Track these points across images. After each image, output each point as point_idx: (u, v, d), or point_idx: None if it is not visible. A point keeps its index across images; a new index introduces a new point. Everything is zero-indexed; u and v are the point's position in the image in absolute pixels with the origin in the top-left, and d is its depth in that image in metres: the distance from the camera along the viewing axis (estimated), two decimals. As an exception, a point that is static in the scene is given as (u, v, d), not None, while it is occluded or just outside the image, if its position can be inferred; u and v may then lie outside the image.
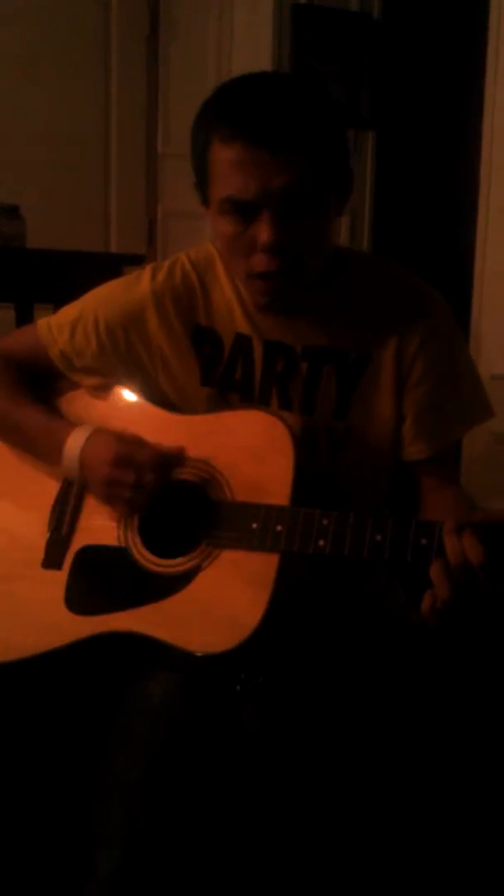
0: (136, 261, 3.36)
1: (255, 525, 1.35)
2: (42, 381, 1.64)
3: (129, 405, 1.59)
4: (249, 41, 4.07)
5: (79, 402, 1.63)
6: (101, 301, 1.60)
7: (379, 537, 1.28)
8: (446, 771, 1.44)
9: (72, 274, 2.79)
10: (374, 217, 4.30)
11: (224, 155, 1.35)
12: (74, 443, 1.49)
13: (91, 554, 1.48)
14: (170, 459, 1.44)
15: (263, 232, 1.35)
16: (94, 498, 1.50)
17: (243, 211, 1.36)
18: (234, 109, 1.36)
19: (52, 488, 1.55)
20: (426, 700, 1.44)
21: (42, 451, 1.56)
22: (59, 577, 1.47)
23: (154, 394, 1.58)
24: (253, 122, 1.33)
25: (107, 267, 3.16)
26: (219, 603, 1.34)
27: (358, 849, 1.41)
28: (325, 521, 1.32)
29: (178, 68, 4.39)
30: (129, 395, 1.60)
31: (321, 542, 1.31)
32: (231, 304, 1.55)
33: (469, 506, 1.51)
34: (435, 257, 3.49)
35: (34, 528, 1.53)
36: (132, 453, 1.44)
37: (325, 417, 1.53)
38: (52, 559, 1.50)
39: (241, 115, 1.34)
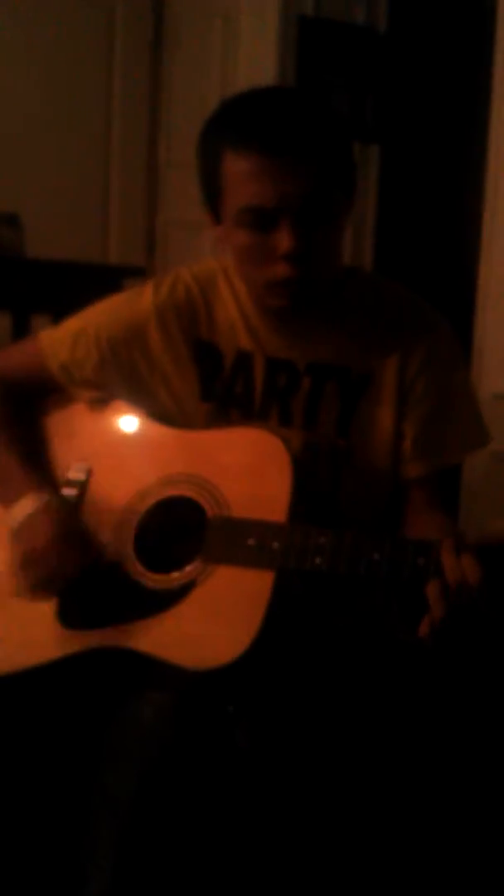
0: (136, 272, 3.37)
1: (251, 541, 1.34)
2: (34, 396, 1.64)
3: (127, 420, 1.59)
4: (254, 53, 4.09)
5: (74, 417, 1.63)
6: (103, 315, 1.60)
7: (376, 556, 1.28)
8: (438, 793, 1.45)
9: (70, 284, 2.80)
10: (377, 230, 4.31)
11: (239, 165, 1.36)
12: (22, 510, 1.48)
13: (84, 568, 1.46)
14: (86, 568, 1.44)
15: (284, 240, 1.36)
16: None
17: (262, 220, 1.37)
18: (247, 119, 1.37)
19: None
20: (418, 721, 1.43)
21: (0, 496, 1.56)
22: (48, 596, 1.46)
23: (154, 409, 1.58)
24: (268, 130, 1.34)
25: (106, 278, 3.18)
26: (213, 619, 1.34)
27: (348, 872, 1.41)
28: (321, 539, 1.31)
29: (181, 77, 4.41)
30: (127, 410, 1.59)
31: (317, 560, 1.31)
32: (233, 320, 1.55)
33: (457, 532, 1.50)
34: (438, 272, 3.50)
35: None
36: (49, 557, 1.43)
37: (327, 435, 1.52)
38: None
39: (256, 124, 1.35)
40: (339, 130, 1.44)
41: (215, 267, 1.58)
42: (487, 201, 3.36)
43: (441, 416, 1.53)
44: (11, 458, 1.56)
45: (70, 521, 1.47)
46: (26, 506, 1.48)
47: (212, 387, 1.55)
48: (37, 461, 1.58)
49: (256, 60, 4.06)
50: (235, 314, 1.54)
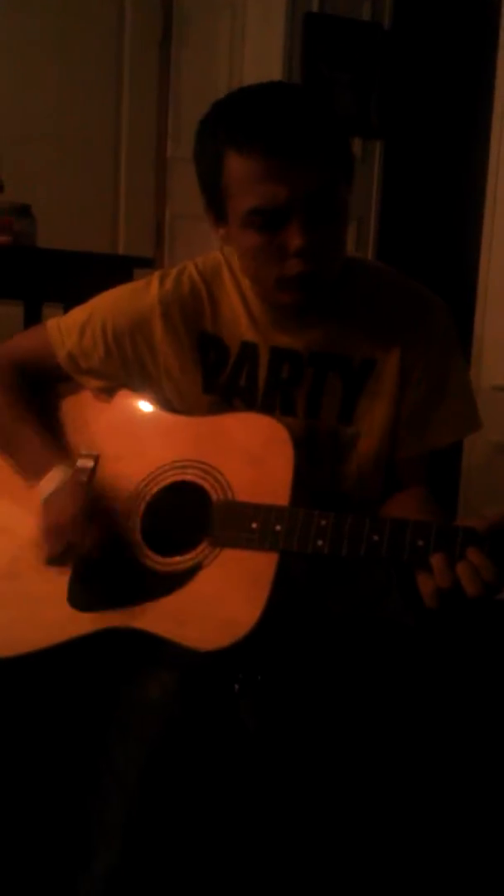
0: (145, 263, 3.37)
1: (254, 525, 1.36)
2: (43, 382, 1.66)
3: (133, 407, 1.61)
4: (261, 48, 4.08)
5: (82, 404, 1.65)
6: (109, 306, 1.61)
7: (376, 537, 1.29)
8: (441, 768, 1.45)
9: (80, 274, 2.80)
10: (380, 225, 4.31)
11: (244, 167, 1.35)
12: (50, 482, 1.51)
13: (93, 551, 1.49)
14: (109, 538, 1.47)
15: (296, 238, 1.36)
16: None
17: (271, 220, 1.37)
18: (248, 120, 1.35)
19: None
20: (420, 699, 1.45)
21: (23, 463, 1.59)
22: (62, 574, 1.48)
23: (158, 400, 1.59)
24: (272, 130, 1.33)
25: (115, 268, 3.16)
26: (218, 600, 1.35)
27: (356, 846, 1.42)
28: (323, 522, 1.32)
29: (189, 73, 4.39)
30: (132, 397, 1.61)
31: (320, 542, 1.32)
32: (237, 313, 1.56)
33: (435, 507, 1.53)
34: (440, 267, 3.49)
35: (37, 525, 1.52)
36: (72, 529, 1.46)
37: (330, 423, 1.54)
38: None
39: (258, 125, 1.34)
40: (338, 122, 1.42)
41: (219, 259, 1.58)
42: (489, 196, 3.36)
43: (434, 400, 1.54)
44: (34, 432, 1.59)
45: (90, 497, 1.48)
46: (54, 478, 1.50)
47: (215, 379, 1.56)
48: (56, 438, 1.60)
49: (263, 56, 4.04)
50: (239, 306, 1.55)
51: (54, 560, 1.47)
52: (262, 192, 1.35)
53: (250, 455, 1.43)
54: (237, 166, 1.36)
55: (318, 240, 1.37)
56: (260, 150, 1.33)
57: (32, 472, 1.55)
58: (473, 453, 3.27)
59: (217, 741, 1.33)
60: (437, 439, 1.57)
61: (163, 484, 1.50)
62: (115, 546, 1.47)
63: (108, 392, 1.63)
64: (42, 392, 1.66)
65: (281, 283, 1.43)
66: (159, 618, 1.37)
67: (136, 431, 1.59)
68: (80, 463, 1.55)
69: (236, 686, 1.37)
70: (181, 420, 1.56)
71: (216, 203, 1.44)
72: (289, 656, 1.43)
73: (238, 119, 1.37)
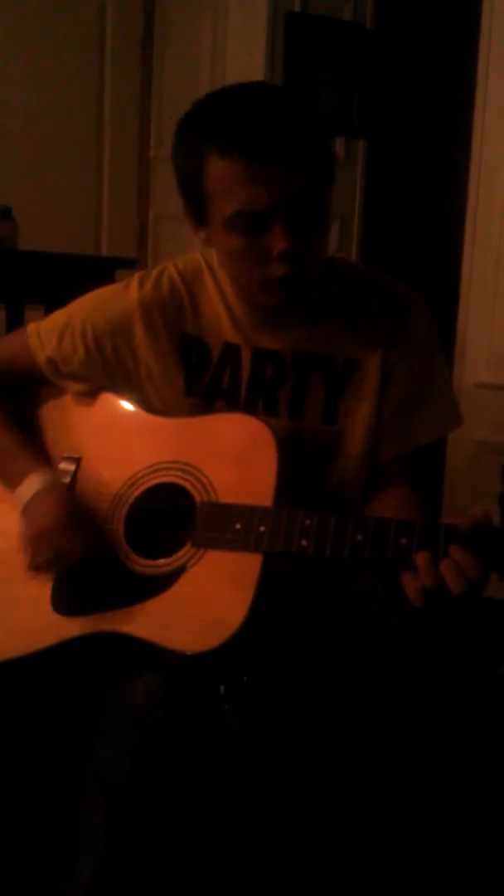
0: (128, 264, 3.36)
1: (238, 525, 1.36)
2: (24, 386, 1.65)
3: (115, 410, 1.60)
4: (243, 47, 4.06)
5: (63, 408, 1.64)
6: (89, 309, 1.60)
7: (360, 537, 1.29)
8: (427, 767, 1.47)
9: (63, 276, 2.79)
10: (363, 225, 4.31)
11: (226, 171, 1.35)
12: (28, 489, 1.50)
13: (77, 555, 1.49)
14: (93, 549, 1.46)
15: (279, 240, 1.36)
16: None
17: (254, 223, 1.36)
18: (227, 124, 1.35)
19: None
20: (406, 699, 1.45)
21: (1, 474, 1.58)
22: (47, 579, 1.48)
23: (140, 402, 1.59)
24: (252, 132, 1.33)
25: (98, 269, 3.16)
26: (203, 603, 1.35)
27: (341, 847, 1.42)
28: (307, 522, 1.32)
29: (171, 72, 4.38)
30: (114, 400, 1.61)
31: (304, 542, 1.32)
32: (219, 314, 1.55)
33: (419, 504, 1.53)
34: (423, 266, 3.49)
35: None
36: (59, 536, 1.46)
37: (313, 423, 1.54)
38: None
39: (238, 127, 1.34)
40: (319, 122, 1.42)
41: (199, 260, 1.58)
42: (471, 195, 3.36)
43: (416, 399, 1.55)
44: (11, 439, 1.58)
45: (72, 502, 1.49)
46: (32, 484, 1.49)
47: (197, 381, 1.55)
48: (33, 444, 1.59)
49: (245, 55, 4.02)
50: (221, 307, 1.55)
51: (38, 567, 1.46)
52: (245, 196, 1.34)
53: (233, 456, 1.43)
54: (218, 170, 1.36)
55: (301, 242, 1.37)
56: (241, 154, 1.33)
57: (8, 480, 1.54)
58: (457, 451, 3.27)
59: (202, 744, 1.33)
60: (421, 437, 1.57)
61: (146, 486, 1.49)
62: (98, 550, 1.47)
63: (90, 395, 1.62)
64: (23, 396, 1.65)
65: (264, 286, 1.42)
66: (144, 621, 1.36)
67: (119, 434, 1.58)
68: (62, 466, 1.55)
69: (222, 688, 1.36)
70: (164, 422, 1.55)
71: (197, 206, 1.44)
72: (274, 657, 1.43)
73: (218, 123, 1.36)
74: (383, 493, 1.57)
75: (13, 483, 1.52)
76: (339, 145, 4.11)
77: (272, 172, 1.33)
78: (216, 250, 1.49)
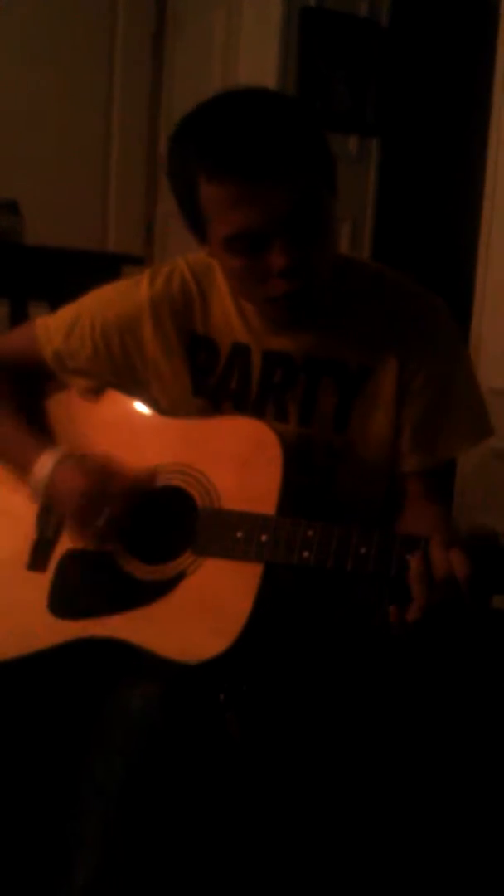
0: (135, 261, 3.37)
1: (239, 534, 1.34)
2: (30, 380, 1.64)
3: (120, 408, 1.59)
4: (256, 44, 4.06)
5: (69, 405, 1.63)
6: (98, 304, 1.59)
7: (363, 550, 1.28)
8: (428, 777, 1.46)
9: (68, 272, 2.79)
10: (375, 224, 4.30)
11: (219, 194, 1.31)
12: (42, 468, 1.50)
13: (75, 558, 1.48)
14: (139, 488, 1.46)
15: (279, 259, 1.33)
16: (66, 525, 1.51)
17: (252, 243, 1.33)
18: (215, 145, 1.31)
19: None
20: (408, 709, 1.44)
21: (10, 463, 1.58)
22: (43, 580, 1.48)
23: (147, 400, 1.57)
24: (241, 153, 1.28)
25: (104, 266, 3.17)
26: (201, 612, 1.34)
27: (340, 856, 1.42)
28: (309, 532, 1.31)
29: (182, 68, 4.39)
30: (120, 398, 1.59)
31: (305, 554, 1.30)
32: (230, 314, 1.53)
33: (451, 526, 1.50)
34: (436, 267, 3.48)
35: (21, 531, 1.54)
36: (103, 487, 1.45)
37: (324, 430, 1.51)
38: (36, 561, 1.51)
39: (226, 148, 1.29)
40: (314, 130, 1.37)
41: (212, 259, 1.55)
42: (487, 195, 3.35)
43: (440, 410, 1.51)
44: (18, 428, 1.58)
45: (95, 465, 1.48)
46: (46, 462, 1.49)
47: (205, 382, 1.54)
48: (40, 433, 1.59)
49: (258, 51, 4.03)
50: (231, 307, 1.53)
51: (101, 531, 1.45)
52: (240, 219, 1.31)
53: (238, 460, 1.42)
54: (211, 192, 1.32)
55: (302, 256, 1.34)
56: (231, 177, 1.29)
57: (20, 467, 1.54)
58: (469, 459, 3.24)
59: (201, 753, 1.32)
60: (449, 450, 1.54)
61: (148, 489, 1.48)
62: (97, 552, 1.46)
63: (96, 392, 1.61)
64: (29, 391, 1.65)
65: (269, 302, 1.41)
66: (140, 627, 1.36)
67: (123, 433, 1.57)
68: None
69: (221, 696, 1.35)
70: (169, 422, 1.54)
71: (195, 226, 1.41)
72: (275, 666, 1.41)
73: (206, 145, 1.32)
74: (408, 509, 1.53)
75: (25, 469, 1.52)
76: (352, 143, 4.13)
77: (265, 191, 1.29)
78: (220, 267, 1.48)
